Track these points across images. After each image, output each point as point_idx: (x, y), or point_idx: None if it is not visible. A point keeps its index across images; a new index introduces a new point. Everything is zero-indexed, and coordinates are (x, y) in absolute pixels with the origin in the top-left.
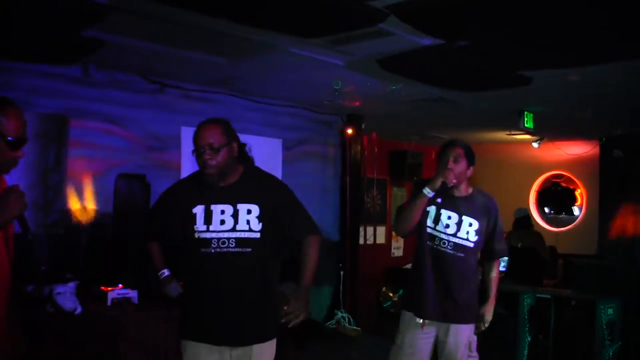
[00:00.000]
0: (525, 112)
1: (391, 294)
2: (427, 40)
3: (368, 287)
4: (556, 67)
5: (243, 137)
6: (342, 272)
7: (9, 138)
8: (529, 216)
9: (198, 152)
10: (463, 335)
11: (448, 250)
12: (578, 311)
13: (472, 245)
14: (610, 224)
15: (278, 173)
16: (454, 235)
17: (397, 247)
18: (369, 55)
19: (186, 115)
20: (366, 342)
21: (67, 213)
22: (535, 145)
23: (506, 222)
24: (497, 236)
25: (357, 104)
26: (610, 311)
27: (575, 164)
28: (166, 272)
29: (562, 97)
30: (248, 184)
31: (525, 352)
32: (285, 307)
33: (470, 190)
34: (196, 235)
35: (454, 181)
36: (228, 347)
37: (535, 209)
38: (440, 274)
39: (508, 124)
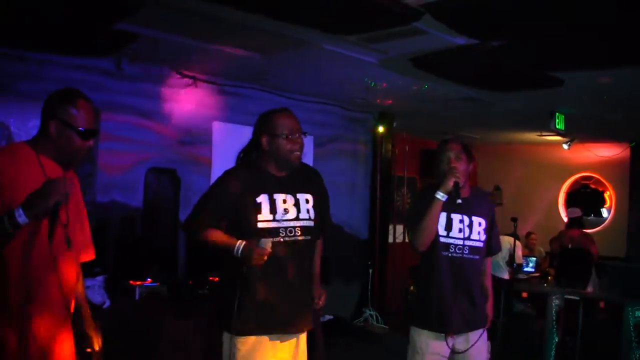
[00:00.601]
0: (557, 114)
1: None
2: (460, 40)
3: (396, 285)
4: (588, 69)
5: None
6: (370, 270)
7: (80, 128)
8: (581, 217)
9: (289, 136)
10: (484, 340)
11: (466, 256)
12: (606, 313)
13: (482, 245)
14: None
15: None
16: (468, 238)
17: None
18: (402, 54)
19: (218, 110)
20: (393, 340)
21: (96, 206)
22: (565, 146)
23: (532, 223)
24: (495, 232)
25: (389, 102)
26: (638, 313)
27: (605, 166)
28: (241, 243)
29: (594, 99)
30: (301, 174)
31: (553, 353)
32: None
33: (470, 189)
34: (260, 225)
35: (463, 180)
36: (294, 334)
37: (563, 210)
38: (460, 282)
39: (539, 124)
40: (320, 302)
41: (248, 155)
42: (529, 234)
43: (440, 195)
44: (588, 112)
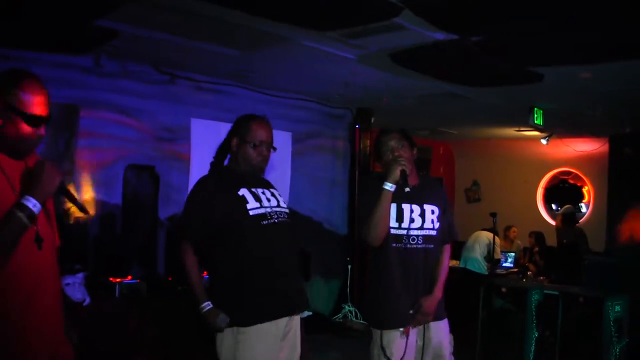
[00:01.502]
0: (535, 109)
1: None
2: (440, 35)
3: None
4: (568, 64)
5: None
6: (350, 267)
7: (27, 113)
8: (574, 213)
9: (257, 146)
10: (446, 332)
11: (419, 246)
12: (586, 308)
13: (436, 233)
14: (620, 223)
15: (287, 166)
16: (421, 227)
17: None
18: (381, 49)
19: (196, 107)
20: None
21: None
22: (543, 141)
23: (511, 218)
24: (448, 218)
25: (385, 100)
26: (617, 308)
27: (584, 162)
28: (209, 304)
29: (573, 94)
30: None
31: (533, 348)
32: None
33: (417, 177)
34: (251, 212)
35: (409, 167)
36: (296, 315)
37: (542, 205)
38: (413, 273)
39: (517, 120)
40: None
41: (220, 156)
42: (508, 227)
43: (389, 186)
44: (567, 108)
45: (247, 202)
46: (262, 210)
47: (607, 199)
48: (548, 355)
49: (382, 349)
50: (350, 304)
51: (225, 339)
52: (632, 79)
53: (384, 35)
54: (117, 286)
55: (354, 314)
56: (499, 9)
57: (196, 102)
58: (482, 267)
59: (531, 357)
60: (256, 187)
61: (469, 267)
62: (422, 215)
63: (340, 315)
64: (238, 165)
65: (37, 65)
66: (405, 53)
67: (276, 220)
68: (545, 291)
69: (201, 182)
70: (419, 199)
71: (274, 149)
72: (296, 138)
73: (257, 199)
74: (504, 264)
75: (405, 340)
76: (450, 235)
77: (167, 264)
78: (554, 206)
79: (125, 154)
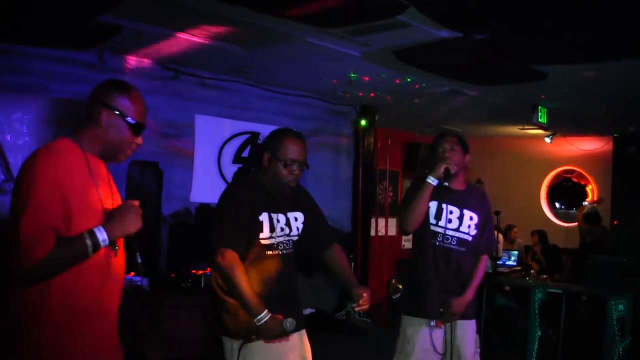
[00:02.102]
0: (539, 107)
1: (401, 286)
2: (444, 33)
3: (379, 279)
4: (572, 63)
5: (257, 126)
6: (352, 264)
7: (131, 120)
8: (597, 212)
9: (287, 165)
10: (472, 331)
11: (453, 246)
12: (589, 306)
13: (471, 239)
14: (623, 221)
15: None
16: (457, 230)
17: (408, 240)
18: (385, 47)
19: (201, 103)
20: (376, 334)
21: None
22: (547, 140)
23: (514, 216)
24: (488, 231)
25: (372, 95)
26: (620, 307)
27: (587, 160)
28: (267, 312)
29: (577, 93)
30: (294, 194)
31: (536, 346)
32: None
33: (466, 184)
34: (262, 241)
35: (455, 168)
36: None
37: (545, 203)
38: (447, 271)
39: (521, 118)
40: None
41: (248, 168)
42: (510, 227)
43: (431, 179)
44: (571, 106)
45: (262, 231)
46: (271, 241)
47: (610, 198)
48: (551, 353)
49: (407, 338)
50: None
51: (227, 346)
52: (635, 77)
53: (389, 33)
54: None
55: (356, 311)
56: (503, 8)
57: (200, 99)
58: (487, 265)
59: (534, 355)
60: (277, 211)
61: None
62: (460, 218)
63: (343, 312)
64: (267, 180)
65: (41, 60)
66: (409, 50)
67: (280, 252)
68: (549, 290)
69: (235, 192)
70: (461, 203)
71: (307, 167)
72: None
73: (272, 228)
74: (507, 262)
75: (431, 332)
76: (488, 248)
77: (170, 260)
78: (557, 205)
79: None
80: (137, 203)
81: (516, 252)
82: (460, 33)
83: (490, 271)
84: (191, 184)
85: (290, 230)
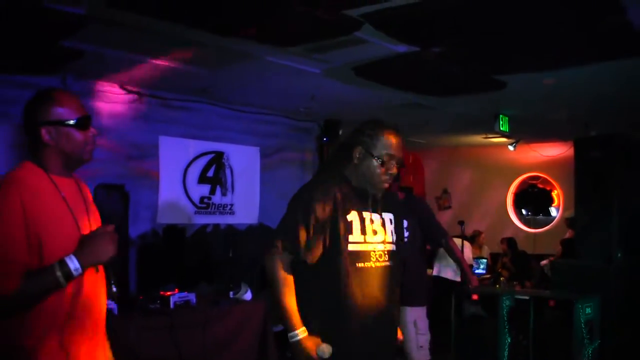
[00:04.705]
0: (501, 116)
1: None
2: (402, 48)
3: None
4: (531, 71)
5: (221, 146)
6: None
7: (72, 121)
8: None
9: (385, 163)
10: (407, 315)
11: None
12: (557, 311)
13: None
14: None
15: (257, 181)
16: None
17: None
18: (345, 63)
19: (164, 124)
20: None
21: None
22: (511, 147)
23: (482, 225)
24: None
25: (334, 110)
26: (588, 310)
27: (551, 166)
28: (304, 330)
29: (537, 99)
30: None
31: (506, 353)
32: None
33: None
34: (350, 248)
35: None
36: None
37: (512, 210)
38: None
39: (484, 127)
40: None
41: (338, 166)
42: (477, 232)
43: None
44: (532, 113)
45: (351, 233)
46: (362, 247)
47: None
48: (522, 358)
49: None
50: None
51: None
52: (595, 82)
53: (347, 49)
54: None
55: None
56: (455, 21)
57: (164, 120)
58: (454, 274)
59: None
60: (369, 209)
61: (442, 274)
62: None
63: None
64: (357, 179)
65: (2, 86)
66: (368, 66)
67: (373, 265)
68: (516, 296)
69: (317, 186)
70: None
71: (404, 165)
72: (264, 153)
73: (363, 229)
74: (476, 271)
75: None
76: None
77: (139, 282)
78: (524, 211)
79: (94, 174)
80: (111, 228)
81: (484, 260)
82: (417, 47)
83: (459, 280)
84: (157, 205)
85: (385, 236)
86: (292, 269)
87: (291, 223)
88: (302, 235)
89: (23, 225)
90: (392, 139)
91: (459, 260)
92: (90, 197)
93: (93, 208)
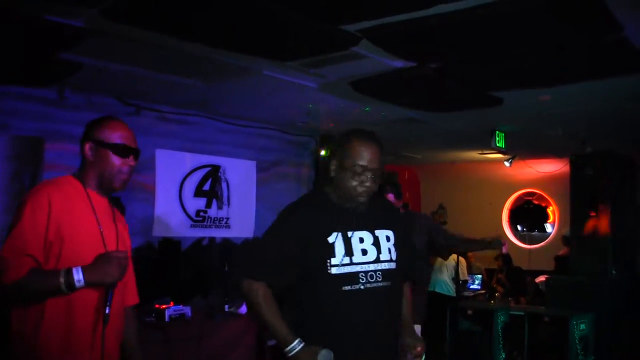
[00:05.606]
0: (497, 132)
1: None
2: (399, 63)
3: None
4: (527, 87)
5: (217, 159)
6: None
7: (113, 143)
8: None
9: (357, 174)
10: None
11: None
12: (551, 327)
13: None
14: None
15: (252, 195)
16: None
17: None
18: (342, 78)
19: (161, 138)
20: None
21: None
22: (507, 164)
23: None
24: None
25: (331, 125)
26: (582, 326)
27: (547, 182)
28: (300, 341)
29: (533, 116)
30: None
31: None
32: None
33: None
34: (333, 271)
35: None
36: None
37: (508, 227)
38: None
39: (480, 143)
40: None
41: (319, 183)
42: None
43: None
44: (528, 129)
45: (333, 255)
46: (348, 269)
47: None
48: None
49: None
50: None
51: None
52: (591, 99)
53: (344, 64)
54: None
55: None
56: (452, 37)
57: (161, 133)
58: (450, 289)
59: None
60: (354, 228)
61: (438, 289)
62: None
63: None
64: (337, 195)
65: (5, 98)
66: (365, 81)
67: (362, 287)
68: (511, 312)
69: (293, 209)
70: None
71: (383, 176)
72: (261, 167)
73: (349, 250)
74: (471, 286)
75: None
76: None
77: None
78: (519, 227)
79: None
80: (123, 254)
81: (480, 276)
82: (414, 62)
83: (454, 295)
84: (153, 218)
85: (379, 254)
86: (269, 287)
87: (261, 250)
88: (272, 265)
89: (45, 223)
90: (363, 149)
91: (468, 239)
92: (121, 219)
93: (122, 228)
